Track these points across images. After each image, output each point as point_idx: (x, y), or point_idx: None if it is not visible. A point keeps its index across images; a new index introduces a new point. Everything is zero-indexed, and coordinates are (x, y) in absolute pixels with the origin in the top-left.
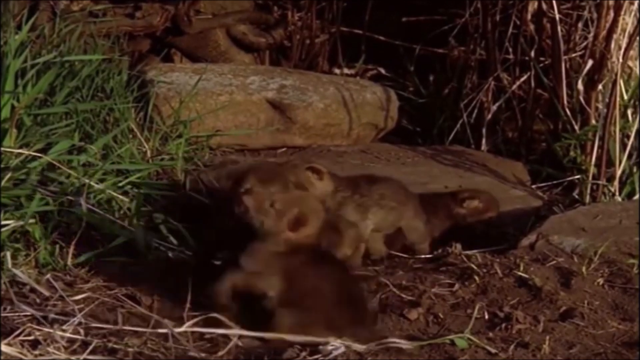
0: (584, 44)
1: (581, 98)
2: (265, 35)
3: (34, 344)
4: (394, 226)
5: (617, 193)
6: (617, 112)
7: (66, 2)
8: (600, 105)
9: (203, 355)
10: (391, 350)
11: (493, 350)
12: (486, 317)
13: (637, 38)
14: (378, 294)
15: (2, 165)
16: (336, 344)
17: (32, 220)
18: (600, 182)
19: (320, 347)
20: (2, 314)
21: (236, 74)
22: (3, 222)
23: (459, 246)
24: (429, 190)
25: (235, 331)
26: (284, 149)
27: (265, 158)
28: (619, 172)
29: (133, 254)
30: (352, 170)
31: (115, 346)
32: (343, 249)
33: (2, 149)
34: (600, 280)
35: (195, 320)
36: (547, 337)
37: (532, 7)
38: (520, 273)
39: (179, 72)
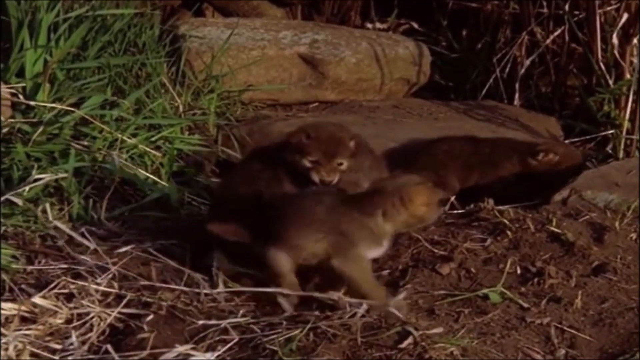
0: None
1: (616, 52)
2: None
3: (69, 297)
4: None
5: None
6: None
7: None
8: (635, 60)
9: (236, 309)
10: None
11: (525, 305)
12: (518, 272)
13: None
14: (410, 249)
15: (35, 119)
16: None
17: (65, 175)
18: (634, 137)
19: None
20: (37, 267)
21: (268, 29)
22: (37, 177)
23: (491, 201)
24: None
25: (272, 289)
26: (316, 104)
27: (296, 113)
28: None
29: (166, 209)
30: (385, 125)
31: (148, 300)
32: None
33: (36, 103)
34: (633, 235)
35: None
36: (580, 292)
37: None
38: (552, 228)
39: (211, 27)
